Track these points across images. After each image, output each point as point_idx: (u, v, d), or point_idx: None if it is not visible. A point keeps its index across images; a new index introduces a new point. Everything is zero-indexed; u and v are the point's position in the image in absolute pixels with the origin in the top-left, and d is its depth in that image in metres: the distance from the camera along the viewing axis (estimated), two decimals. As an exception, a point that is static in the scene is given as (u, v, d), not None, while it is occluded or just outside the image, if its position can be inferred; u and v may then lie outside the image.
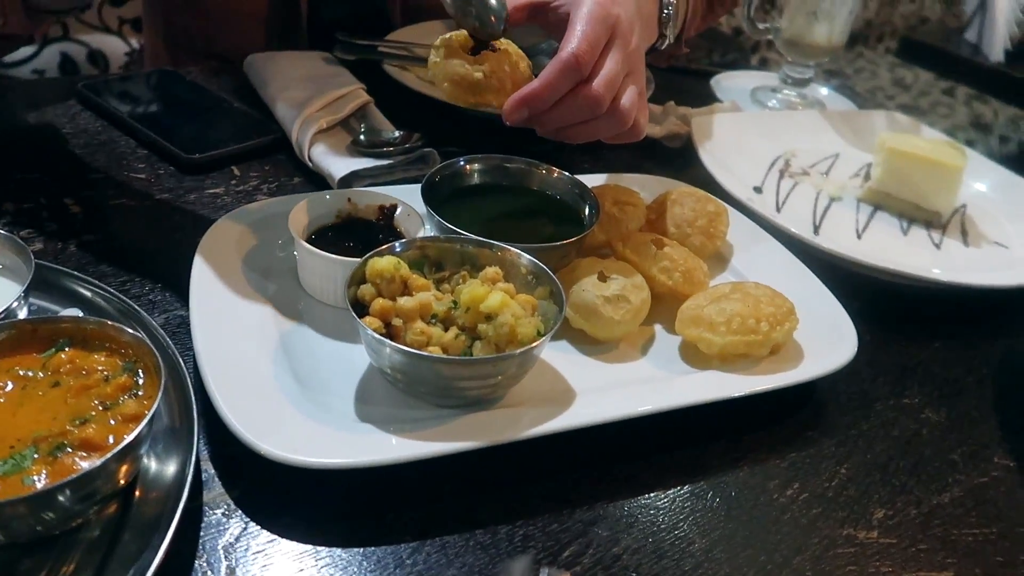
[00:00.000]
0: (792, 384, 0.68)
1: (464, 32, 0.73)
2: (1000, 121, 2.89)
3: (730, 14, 2.91)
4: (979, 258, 0.97)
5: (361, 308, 0.63)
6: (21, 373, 0.55)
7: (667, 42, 0.93)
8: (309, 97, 1.01)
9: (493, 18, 0.73)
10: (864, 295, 0.82)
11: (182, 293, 0.73)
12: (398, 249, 0.67)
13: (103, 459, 0.48)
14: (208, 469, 0.58)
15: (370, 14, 1.32)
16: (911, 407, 0.74)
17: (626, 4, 0.78)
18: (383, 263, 0.63)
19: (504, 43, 0.73)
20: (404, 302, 0.62)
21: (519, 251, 0.69)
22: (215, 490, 0.57)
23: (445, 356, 0.60)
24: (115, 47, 1.91)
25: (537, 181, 0.86)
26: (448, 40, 0.72)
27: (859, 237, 0.99)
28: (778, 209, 1.01)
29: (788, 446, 0.67)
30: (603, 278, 0.71)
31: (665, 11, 0.91)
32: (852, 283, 0.83)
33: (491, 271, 0.66)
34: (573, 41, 0.70)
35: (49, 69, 1.66)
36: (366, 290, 0.63)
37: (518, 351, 0.60)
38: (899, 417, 0.72)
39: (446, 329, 0.62)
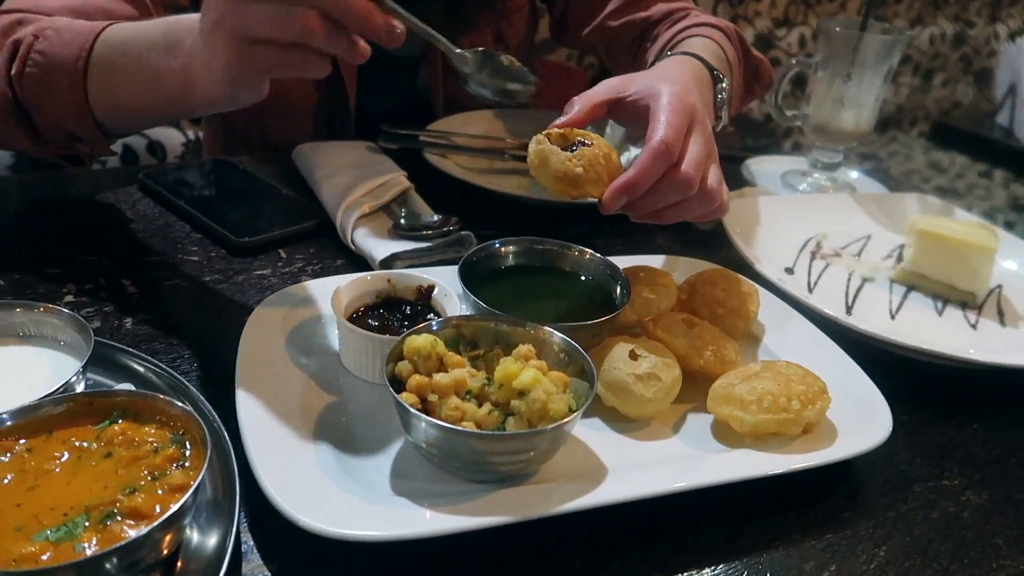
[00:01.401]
0: (826, 463, 0.68)
1: (555, 131, 0.78)
2: (1040, 202, 2.87)
3: (761, 100, 2.98)
4: (1016, 338, 0.96)
5: (398, 384, 0.65)
6: (77, 444, 0.58)
7: (722, 124, 0.99)
8: (353, 183, 1.07)
9: (520, 85, 0.76)
10: (900, 376, 0.81)
11: (229, 369, 0.76)
12: (435, 327, 0.70)
13: (149, 527, 0.50)
14: (247, 540, 0.60)
15: (414, 105, 1.40)
16: (951, 489, 0.73)
17: (695, 92, 0.86)
18: (420, 341, 0.66)
19: (593, 137, 0.78)
20: (440, 378, 0.64)
21: (551, 330, 0.71)
22: (253, 562, 0.58)
23: (479, 431, 0.61)
24: (173, 138, 2.03)
25: (570, 262, 0.88)
26: (542, 140, 0.76)
27: (893, 318, 0.99)
28: (810, 290, 1.02)
29: (824, 527, 0.67)
30: (634, 356, 0.73)
31: (720, 96, 0.99)
32: (887, 364, 0.83)
33: (524, 348, 0.68)
34: (660, 130, 0.76)
35: (111, 159, 1.77)
36: (403, 367, 0.66)
37: (550, 427, 0.61)
38: (939, 499, 0.71)
39: (480, 405, 0.64)
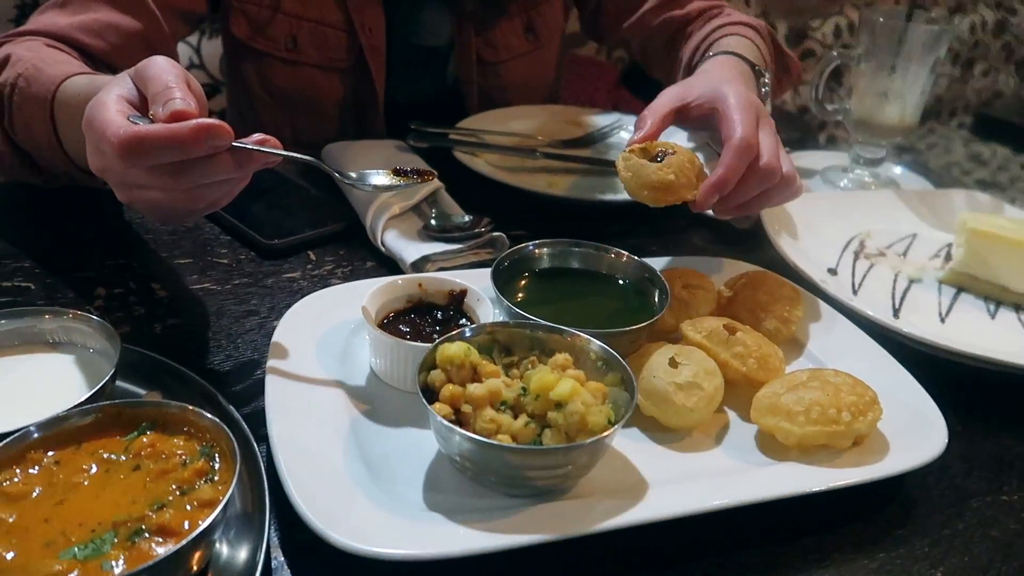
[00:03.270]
0: (879, 478, 0.65)
1: (636, 147, 0.83)
2: (1088, 195, 2.77)
3: (796, 93, 2.93)
4: (1076, 343, 0.92)
5: (431, 394, 0.63)
6: (105, 456, 0.57)
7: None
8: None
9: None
10: (951, 383, 0.78)
11: (258, 375, 0.75)
12: (468, 334, 0.68)
13: (178, 546, 0.49)
14: (277, 556, 0.58)
15: (445, 96, 1.38)
16: (1011, 504, 0.69)
17: (751, 89, 0.93)
18: (453, 349, 0.64)
19: (673, 145, 0.83)
20: (474, 389, 0.61)
21: (589, 337, 0.68)
22: (284, 578, 0.57)
23: (515, 445, 0.59)
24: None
25: (606, 265, 0.86)
26: (628, 156, 0.82)
27: (943, 321, 0.95)
28: (854, 291, 0.98)
29: (876, 546, 0.63)
30: (674, 364, 0.70)
31: (764, 89, 1.04)
32: (937, 370, 0.79)
33: (561, 357, 0.65)
34: (738, 128, 0.81)
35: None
36: (436, 376, 0.64)
37: (589, 440, 0.59)
38: (998, 516, 0.68)
39: (515, 416, 0.62)
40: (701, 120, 0.89)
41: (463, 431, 0.59)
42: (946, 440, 0.68)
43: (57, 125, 0.86)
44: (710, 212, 0.85)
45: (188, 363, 0.74)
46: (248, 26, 1.23)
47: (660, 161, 0.81)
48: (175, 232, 1.00)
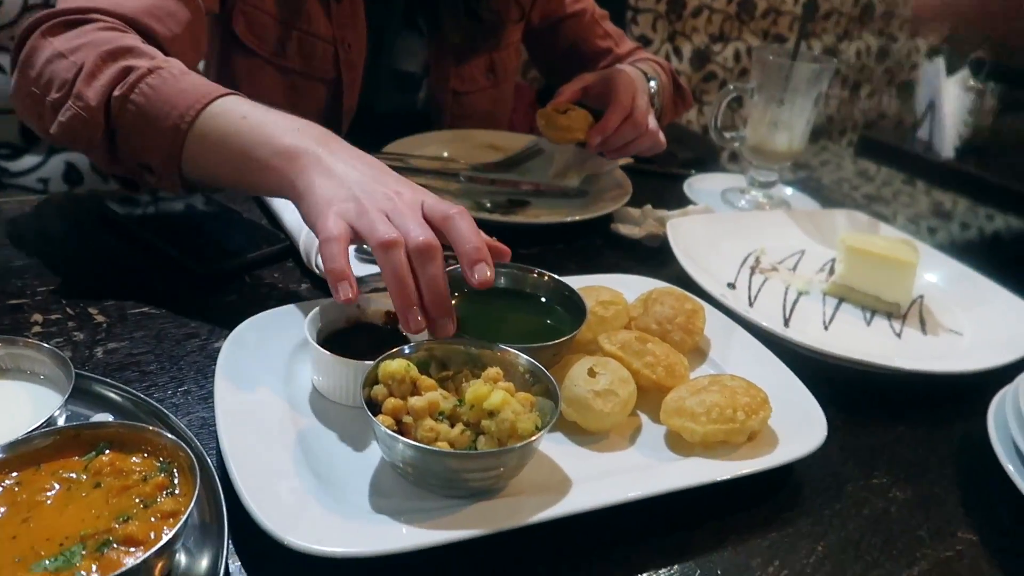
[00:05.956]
0: (769, 468, 0.74)
1: (550, 108, 1.29)
2: (959, 209, 3.05)
3: (700, 113, 3.09)
4: (937, 346, 1.05)
5: (374, 407, 0.69)
6: (65, 475, 0.60)
7: (656, 111, 1.36)
8: (315, 208, 1.09)
9: None
10: (833, 383, 0.88)
11: (202, 396, 0.79)
12: (407, 351, 0.74)
13: (148, 553, 0.53)
14: (235, 561, 0.63)
15: (414, 119, 1.50)
16: (880, 487, 0.80)
17: (639, 81, 1.32)
18: (395, 366, 0.70)
19: (575, 107, 1.28)
20: (415, 401, 0.68)
21: (516, 351, 0.75)
22: (242, 581, 0.61)
23: (453, 451, 0.65)
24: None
25: (529, 285, 0.93)
26: (544, 112, 1.28)
27: (826, 329, 1.06)
28: (751, 304, 1.09)
29: (768, 526, 0.73)
30: (592, 374, 0.78)
31: (652, 92, 1.37)
32: (821, 372, 0.90)
33: (492, 371, 0.72)
34: (620, 94, 1.24)
35: (54, 177, 1.75)
36: (379, 390, 0.70)
37: (519, 444, 0.66)
38: (869, 497, 0.78)
39: (452, 425, 0.68)
40: (601, 95, 1.27)
41: (406, 439, 0.65)
42: (826, 433, 0.78)
43: (196, 125, 0.88)
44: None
45: (133, 385, 0.78)
46: (245, 25, 1.30)
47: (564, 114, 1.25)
48: (109, 258, 1.02)
